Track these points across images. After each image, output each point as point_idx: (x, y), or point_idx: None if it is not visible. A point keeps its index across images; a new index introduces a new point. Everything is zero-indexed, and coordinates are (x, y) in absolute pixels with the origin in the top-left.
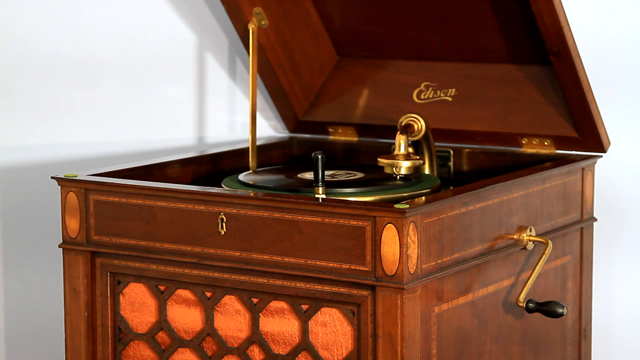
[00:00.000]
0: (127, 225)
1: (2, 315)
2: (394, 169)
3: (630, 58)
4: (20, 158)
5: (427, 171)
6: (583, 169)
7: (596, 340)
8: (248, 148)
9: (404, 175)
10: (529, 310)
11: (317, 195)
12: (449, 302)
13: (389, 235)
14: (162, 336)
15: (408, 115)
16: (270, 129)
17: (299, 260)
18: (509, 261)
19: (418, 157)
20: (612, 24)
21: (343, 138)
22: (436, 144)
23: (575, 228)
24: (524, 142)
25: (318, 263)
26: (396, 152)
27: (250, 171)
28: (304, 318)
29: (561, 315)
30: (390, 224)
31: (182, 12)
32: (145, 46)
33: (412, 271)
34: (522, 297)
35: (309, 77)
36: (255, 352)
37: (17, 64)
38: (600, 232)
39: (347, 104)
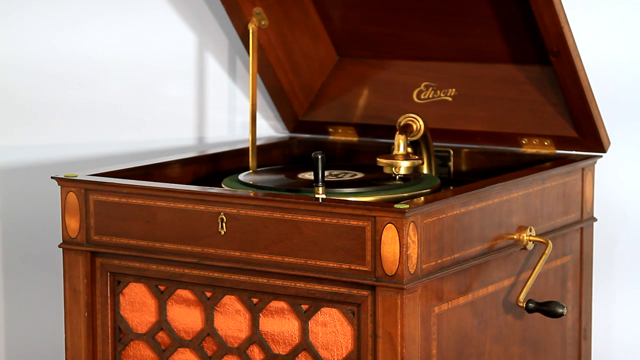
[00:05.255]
0: (127, 225)
1: (2, 315)
2: (393, 169)
3: (630, 58)
4: (20, 158)
5: (425, 171)
6: (583, 169)
7: (596, 340)
8: (248, 148)
9: (403, 175)
10: (529, 310)
11: (317, 195)
12: (449, 302)
13: (389, 235)
14: (162, 336)
15: (407, 115)
16: (270, 129)
17: (299, 260)
18: (509, 261)
19: (417, 157)
20: (612, 23)
21: (343, 138)
22: (436, 144)
23: (575, 228)
24: (524, 142)
25: (318, 263)
26: (395, 152)
27: (250, 171)
28: (304, 318)
29: (561, 315)
30: (390, 224)
31: (182, 12)
32: (145, 46)
33: (412, 271)
34: (522, 297)
35: (309, 77)
36: (255, 352)
37: (17, 63)
38: (600, 232)
39: (347, 104)
